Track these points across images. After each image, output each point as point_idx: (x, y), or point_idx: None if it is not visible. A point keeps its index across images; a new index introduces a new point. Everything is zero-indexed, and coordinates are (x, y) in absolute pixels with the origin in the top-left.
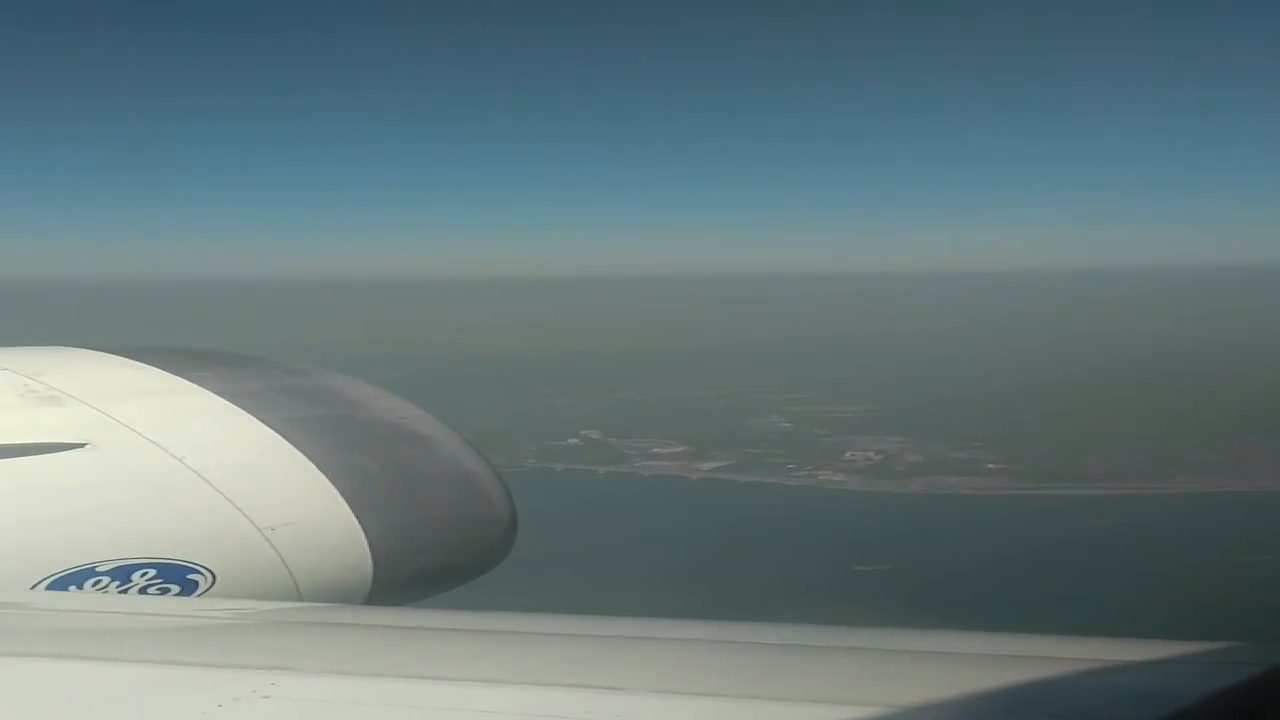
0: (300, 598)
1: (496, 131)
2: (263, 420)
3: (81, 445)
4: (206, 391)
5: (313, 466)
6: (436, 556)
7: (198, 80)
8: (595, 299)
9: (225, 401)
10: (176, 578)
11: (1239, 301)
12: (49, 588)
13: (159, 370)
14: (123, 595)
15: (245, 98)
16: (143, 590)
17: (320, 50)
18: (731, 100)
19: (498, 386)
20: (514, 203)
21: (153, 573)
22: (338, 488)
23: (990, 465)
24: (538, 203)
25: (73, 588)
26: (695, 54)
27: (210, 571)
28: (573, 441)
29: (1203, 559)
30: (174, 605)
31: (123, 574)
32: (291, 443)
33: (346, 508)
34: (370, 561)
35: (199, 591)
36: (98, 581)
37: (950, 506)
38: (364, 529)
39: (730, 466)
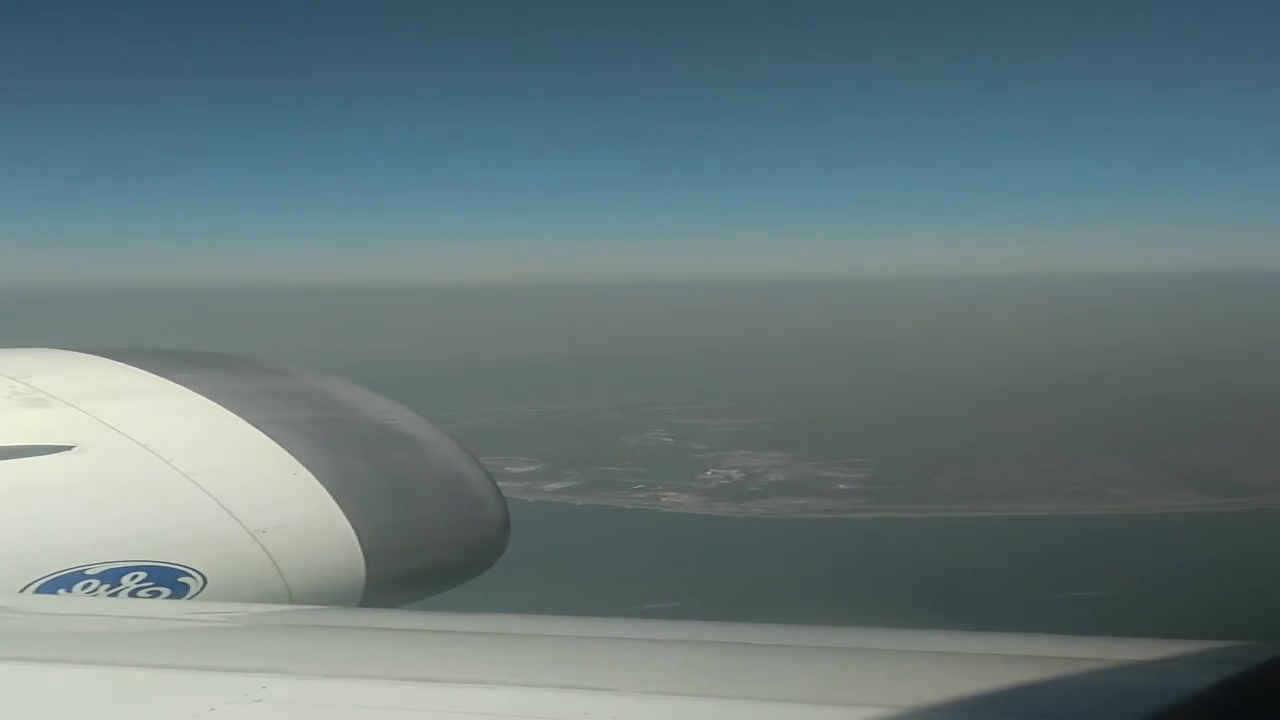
0: (292, 600)
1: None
2: (252, 422)
3: (69, 447)
4: (195, 393)
5: (303, 468)
6: (429, 558)
7: (189, 86)
8: (531, 306)
9: (214, 403)
10: (167, 580)
11: (1153, 310)
12: (38, 591)
13: (147, 372)
14: (113, 598)
15: (232, 104)
16: (133, 593)
17: (306, 58)
18: (674, 104)
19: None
20: (462, 209)
21: (143, 575)
22: (328, 489)
23: (841, 486)
24: (487, 210)
25: (62, 591)
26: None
27: (200, 574)
28: None
29: (1025, 591)
30: (164, 608)
31: (112, 577)
32: (281, 444)
33: (337, 509)
34: (362, 563)
35: (189, 594)
36: (87, 584)
37: (780, 531)
38: (355, 531)
39: (576, 488)
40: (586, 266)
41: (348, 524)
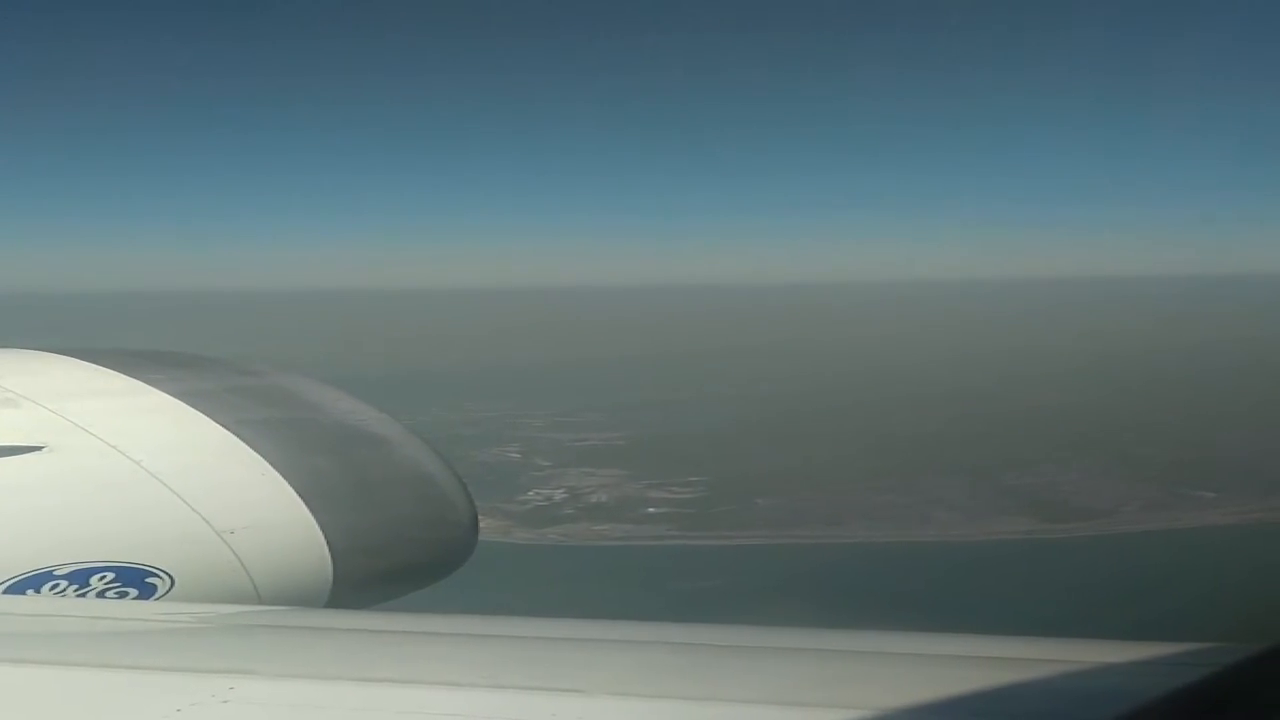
0: (259, 601)
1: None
2: (220, 422)
3: (38, 448)
4: (164, 394)
5: (271, 468)
6: (396, 558)
7: (168, 91)
8: (453, 312)
9: (183, 404)
10: (135, 581)
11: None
12: (6, 591)
13: (116, 373)
14: (81, 599)
15: (208, 110)
16: (101, 594)
17: (278, 64)
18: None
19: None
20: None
21: (111, 576)
22: (296, 489)
23: (651, 510)
24: (434, 213)
25: (30, 591)
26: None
27: (169, 575)
28: None
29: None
30: (132, 609)
31: (80, 577)
32: (249, 444)
33: (305, 510)
34: (330, 563)
35: (157, 595)
36: (55, 585)
37: (558, 559)
38: (323, 531)
39: None
40: (514, 271)
41: (316, 524)
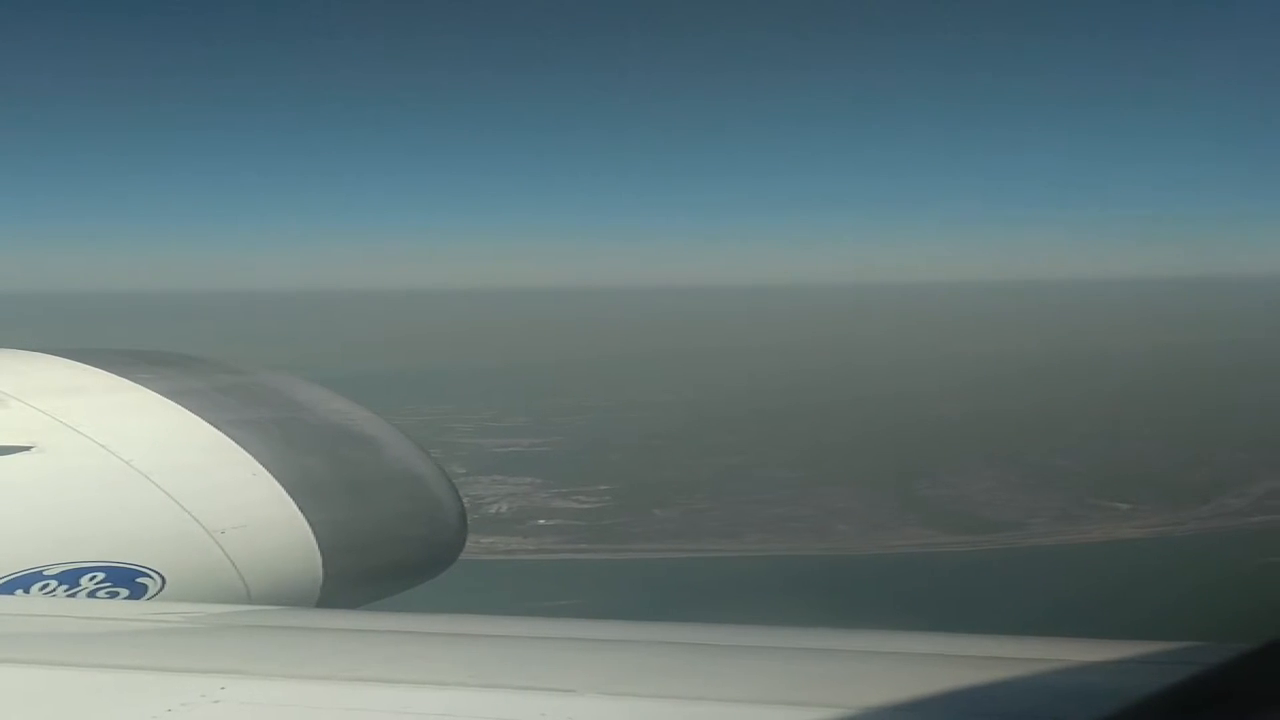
0: (250, 600)
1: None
2: (211, 422)
3: (28, 448)
4: (154, 394)
5: (261, 468)
6: (386, 558)
7: (160, 89)
8: (411, 313)
9: (173, 404)
10: (125, 581)
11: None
12: None
13: (106, 373)
14: (71, 599)
15: (200, 110)
16: (91, 594)
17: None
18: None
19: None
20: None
21: (101, 576)
22: (286, 489)
23: (541, 522)
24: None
25: (20, 591)
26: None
27: (159, 575)
28: None
29: None
30: (123, 609)
31: (71, 578)
32: (240, 444)
33: (295, 509)
34: (320, 563)
35: (148, 595)
36: (46, 585)
37: None
38: (314, 531)
39: None
40: (475, 273)
41: (306, 524)
